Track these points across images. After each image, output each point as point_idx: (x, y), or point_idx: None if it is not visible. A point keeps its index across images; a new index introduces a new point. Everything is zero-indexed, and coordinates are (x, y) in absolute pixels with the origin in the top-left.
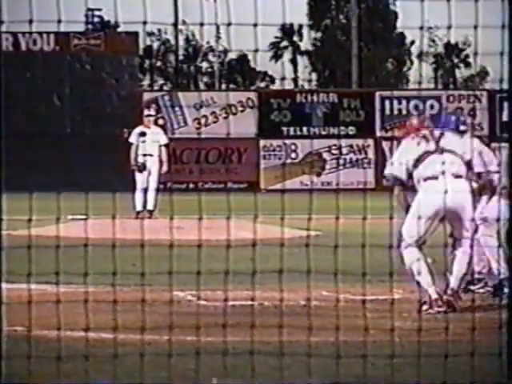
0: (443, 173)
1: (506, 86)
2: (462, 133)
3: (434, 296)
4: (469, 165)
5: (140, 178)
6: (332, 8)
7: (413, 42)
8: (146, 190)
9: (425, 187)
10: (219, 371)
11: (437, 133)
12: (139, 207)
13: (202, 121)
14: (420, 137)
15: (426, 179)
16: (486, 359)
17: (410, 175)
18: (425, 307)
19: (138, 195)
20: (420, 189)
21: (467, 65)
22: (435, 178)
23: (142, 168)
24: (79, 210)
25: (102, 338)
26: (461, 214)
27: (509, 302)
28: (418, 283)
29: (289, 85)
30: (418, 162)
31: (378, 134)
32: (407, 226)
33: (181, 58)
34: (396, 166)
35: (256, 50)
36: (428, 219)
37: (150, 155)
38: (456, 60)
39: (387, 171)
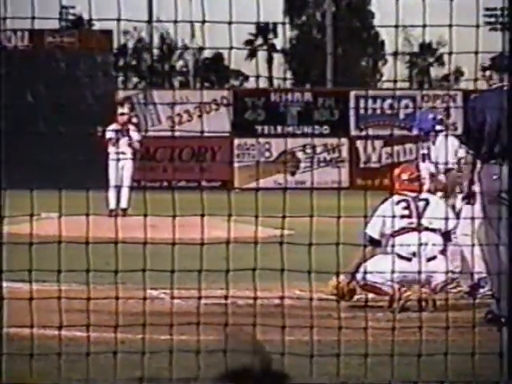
0: (415, 255)
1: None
2: (438, 132)
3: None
4: (447, 235)
5: (113, 175)
6: (309, 6)
7: (387, 42)
8: (119, 188)
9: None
10: (193, 370)
11: (421, 203)
12: (113, 205)
13: (176, 119)
14: (404, 201)
15: (400, 257)
16: (459, 359)
17: (385, 240)
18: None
19: (112, 193)
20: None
21: (441, 64)
22: (408, 259)
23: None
24: (52, 207)
25: (75, 336)
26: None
27: (509, 302)
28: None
29: (263, 83)
30: (396, 232)
31: (353, 133)
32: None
33: (155, 56)
34: (373, 226)
35: (231, 48)
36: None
37: (123, 153)
38: (431, 59)
39: (368, 231)
